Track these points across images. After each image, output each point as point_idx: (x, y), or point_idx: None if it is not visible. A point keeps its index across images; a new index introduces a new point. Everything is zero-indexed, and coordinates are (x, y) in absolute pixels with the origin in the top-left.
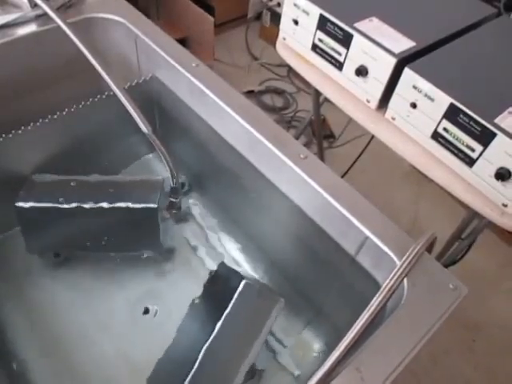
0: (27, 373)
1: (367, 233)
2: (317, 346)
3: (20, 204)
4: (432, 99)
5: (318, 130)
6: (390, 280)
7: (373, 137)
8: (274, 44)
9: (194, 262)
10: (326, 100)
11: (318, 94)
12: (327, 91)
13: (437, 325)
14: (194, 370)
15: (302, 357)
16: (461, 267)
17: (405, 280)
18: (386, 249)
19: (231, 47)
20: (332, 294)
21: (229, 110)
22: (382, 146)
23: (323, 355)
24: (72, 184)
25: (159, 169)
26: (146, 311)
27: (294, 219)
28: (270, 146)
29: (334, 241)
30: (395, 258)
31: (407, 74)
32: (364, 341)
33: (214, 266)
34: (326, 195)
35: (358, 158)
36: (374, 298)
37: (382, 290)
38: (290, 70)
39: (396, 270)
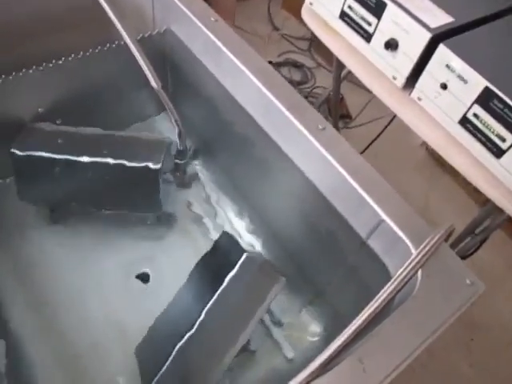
0: (13, 328)
1: (383, 215)
2: (314, 329)
3: (15, 151)
4: (465, 81)
5: (335, 107)
6: (405, 269)
7: (391, 121)
8: (296, 15)
9: (193, 230)
10: (346, 78)
11: (339, 67)
12: (351, 64)
13: (448, 322)
14: (183, 341)
15: (297, 339)
16: (466, 263)
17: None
18: (401, 234)
19: (252, 15)
20: (336, 277)
21: (246, 70)
22: (398, 132)
23: (320, 340)
24: (72, 136)
25: (165, 131)
26: (140, 276)
27: (304, 194)
28: (286, 113)
29: (345, 221)
30: (411, 246)
31: (441, 51)
32: (369, 331)
33: (214, 236)
34: (341, 170)
35: (373, 141)
36: (386, 287)
37: (394, 278)
38: (312, 43)
39: (411, 259)
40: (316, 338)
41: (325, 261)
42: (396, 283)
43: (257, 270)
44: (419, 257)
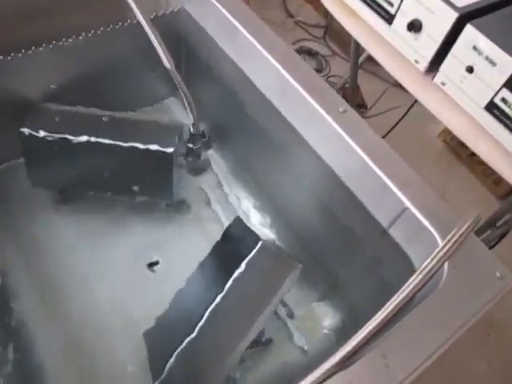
0: (19, 312)
1: (407, 203)
2: (329, 322)
3: (25, 131)
4: (493, 63)
5: (352, 95)
6: (431, 260)
7: (408, 111)
8: (311, 2)
9: (206, 216)
10: (361, 67)
11: (357, 53)
12: (371, 48)
13: (477, 316)
14: (194, 331)
15: (312, 331)
16: None
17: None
18: (426, 223)
19: (267, 1)
20: (353, 268)
21: (262, 50)
22: (415, 123)
23: (335, 333)
24: (83, 117)
25: (178, 115)
26: (149, 263)
27: (322, 180)
28: (305, 94)
29: (365, 209)
30: (436, 235)
31: (469, 31)
32: (392, 325)
33: (227, 223)
34: (363, 156)
35: (389, 131)
36: (411, 279)
37: (421, 269)
38: (327, 31)
39: (439, 249)
40: (331, 331)
41: (341, 251)
42: (422, 275)
43: (272, 257)
44: (447, 247)
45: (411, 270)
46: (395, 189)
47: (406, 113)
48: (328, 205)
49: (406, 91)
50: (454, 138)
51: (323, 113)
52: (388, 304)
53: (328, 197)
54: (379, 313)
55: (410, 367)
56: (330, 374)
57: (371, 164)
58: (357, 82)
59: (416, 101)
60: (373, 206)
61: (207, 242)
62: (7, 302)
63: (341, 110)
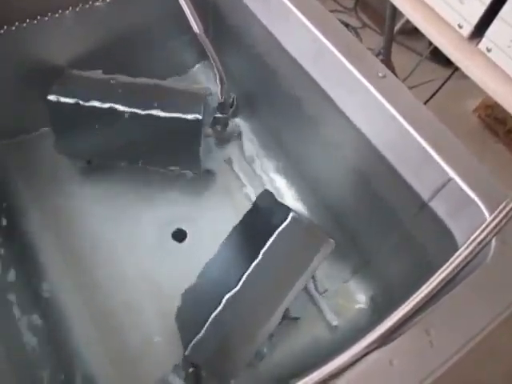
0: (47, 280)
1: (451, 173)
2: (361, 297)
3: (52, 98)
4: None
5: (386, 64)
6: (479, 234)
7: (443, 84)
8: None
9: (233, 188)
10: (393, 39)
11: (393, 17)
12: (408, 10)
13: None
14: (222, 305)
15: (342, 307)
16: None
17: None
18: (472, 195)
19: None
20: (388, 243)
21: (297, 12)
22: (450, 98)
23: (366, 309)
24: (109, 84)
25: (204, 84)
26: (176, 235)
27: (358, 151)
28: (341, 58)
29: (404, 180)
30: (483, 208)
31: None
32: (437, 300)
33: (254, 195)
34: (404, 123)
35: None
36: (457, 253)
37: (468, 244)
38: (358, 2)
39: (487, 222)
40: (362, 307)
41: (376, 225)
42: (470, 248)
43: (303, 230)
44: (496, 221)
45: (453, 246)
46: (438, 158)
47: (441, 86)
48: (363, 177)
49: (440, 65)
50: (489, 114)
51: (361, 77)
52: (433, 278)
53: (363, 168)
54: (423, 287)
55: (455, 345)
56: (368, 351)
57: (413, 132)
58: (391, 52)
59: (452, 74)
60: (412, 176)
61: (235, 214)
62: (37, 274)
63: (380, 74)
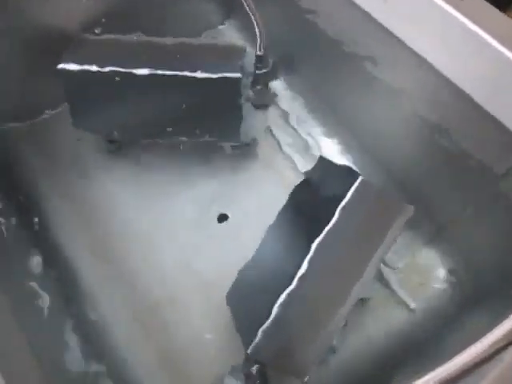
0: (77, 274)
1: None
2: (438, 274)
3: (64, 66)
4: None
5: None
6: None
7: None
8: None
9: (277, 160)
10: None
11: None
12: None
13: None
14: (284, 297)
15: (418, 286)
16: None
17: None
18: None
19: None
20: (467, 206)
21: None
22: None
23: (447, 287)
24: (130, 46)
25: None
26: (218, 217)
27: (433, 96)
28: None
29: (501, 124)
30: None
31: None
32: None
33: (302, 166)
34: (502, 49)
35: None
36: None
37: None
38: None
39: None
40: (442, 285)
41: (451, 188)
42: None
43: (376, 195)
44: None
45: None
46: None
47: None
48: (438, 127)
49: None
50: None
51: (441, 2)
52: None
53: (438, 117)
54: None
55: None
56: (499, 349)
57: None
58: None
59: None
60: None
61: (282, 189)
62: (70, 269)
63: None
